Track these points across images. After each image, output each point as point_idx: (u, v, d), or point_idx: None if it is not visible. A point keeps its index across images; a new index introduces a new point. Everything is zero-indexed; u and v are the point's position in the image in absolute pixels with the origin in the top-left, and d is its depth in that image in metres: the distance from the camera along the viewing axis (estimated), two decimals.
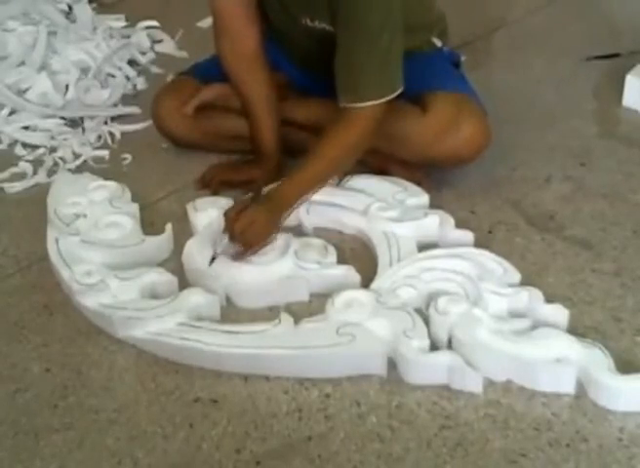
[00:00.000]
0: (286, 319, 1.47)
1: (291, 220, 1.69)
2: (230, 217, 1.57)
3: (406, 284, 1.52)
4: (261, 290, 1.57)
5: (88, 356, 1.50)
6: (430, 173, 1.82)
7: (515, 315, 1.46)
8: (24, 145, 2.14)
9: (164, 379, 1.45)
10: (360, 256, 1.66)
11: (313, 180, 1.68)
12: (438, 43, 1.89)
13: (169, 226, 1.72)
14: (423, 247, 1.62)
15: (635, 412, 1.33)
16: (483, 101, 1.79)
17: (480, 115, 1.75)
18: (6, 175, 2.03)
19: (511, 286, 1.50)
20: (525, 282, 1.57)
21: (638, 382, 1.33)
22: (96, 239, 1.68)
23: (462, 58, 1.99)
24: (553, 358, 1.36)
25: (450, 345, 1.42)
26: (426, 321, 1.44)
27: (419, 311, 1.47)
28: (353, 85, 1.63)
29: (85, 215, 1.74)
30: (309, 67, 1.87)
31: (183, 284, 1.59)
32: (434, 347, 1.42)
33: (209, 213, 1.70)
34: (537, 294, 1.48)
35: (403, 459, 1.29)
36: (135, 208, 1.79)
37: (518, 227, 1.74)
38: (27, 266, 1.73)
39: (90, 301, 1.54)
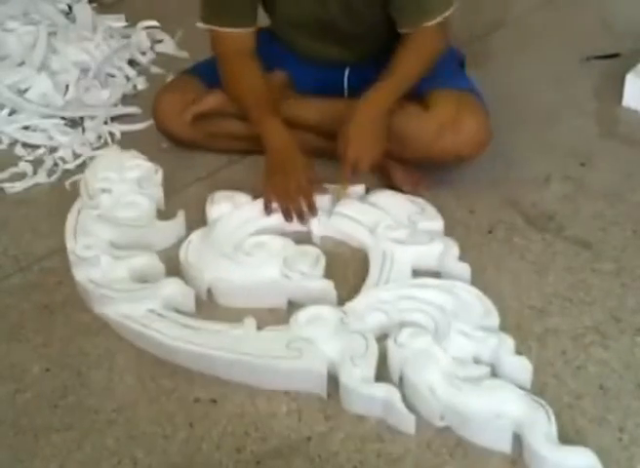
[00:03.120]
0: (249, 324, 1.45)
1: (302, 226, 1.70)
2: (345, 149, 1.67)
3: (379, 309, 1.46)
4: (242, 290, 1.56)
5: (88, 356, 1.50)
6: (430, 172, 1.83)
7: (480, 361, 1.38)
8: (24, 145, 2.14)
9: (164, 379, 1.45)
10: (354, 272, 1.62)
11: (394, 95, 1.72)
12: None
13: (181, 213, 1.74)
14: (423, 273, 1.57)
15: None
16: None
17: (481, 113, 1.75)
18: (6, 175, 2.03)
19: (487, 329, 1.40)
20: (525, 281, 1.58)
21: (571, 456, 1.21)
22: (110, 216, 1.71)
23: None
24: (494, 413, 1.27)
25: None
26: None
27: (383, 339, 1.41)
28: (421, 8, 1.71)
29: (110, 191, 1.77)
30: (318, 52, 1.87)
31: (175, 272, 1.60)
32: (388, 379, 1.36)
33: (221, 207, 1.71)
34: (508, 343, 1.38)
35: (403, 459, 1.29)
36: (159, 191, 1.82)
37: (518, 227, 1.74)
38: (27, 266, 1.73)
39: (80, 275, 1.58)
